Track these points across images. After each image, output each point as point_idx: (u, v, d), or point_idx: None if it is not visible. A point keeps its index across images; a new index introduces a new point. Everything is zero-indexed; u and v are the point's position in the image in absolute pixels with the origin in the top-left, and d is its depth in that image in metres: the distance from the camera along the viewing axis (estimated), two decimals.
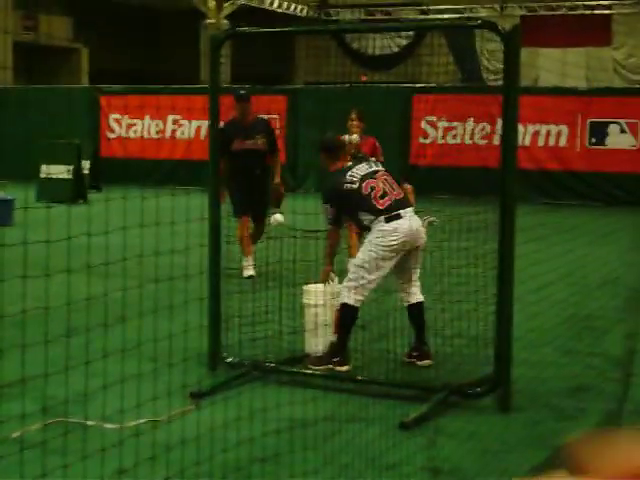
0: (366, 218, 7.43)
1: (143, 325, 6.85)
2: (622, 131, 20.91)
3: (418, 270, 7.71)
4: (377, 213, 7.38)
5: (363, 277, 7.34)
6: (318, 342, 7.73)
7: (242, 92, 11.85)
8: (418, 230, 7.46)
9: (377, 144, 11.53)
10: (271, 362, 7.37)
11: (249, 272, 11.19)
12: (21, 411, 5.26)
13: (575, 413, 6.43)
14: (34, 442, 5.22)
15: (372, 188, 7.47)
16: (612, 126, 21.01)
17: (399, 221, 7.34)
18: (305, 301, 7.91)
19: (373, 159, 8.26)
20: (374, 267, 7.32)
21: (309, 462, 5.20)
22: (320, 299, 7.78)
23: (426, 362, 7.63)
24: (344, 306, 7.41)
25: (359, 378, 7.08)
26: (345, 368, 7.44)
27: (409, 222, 7.37)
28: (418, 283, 7.73)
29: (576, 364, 7.67)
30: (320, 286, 7.94)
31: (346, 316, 7.44)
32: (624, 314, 9.13)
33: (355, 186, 7.49)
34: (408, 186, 7.89)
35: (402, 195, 7.58)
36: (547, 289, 10.44)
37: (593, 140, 21.17)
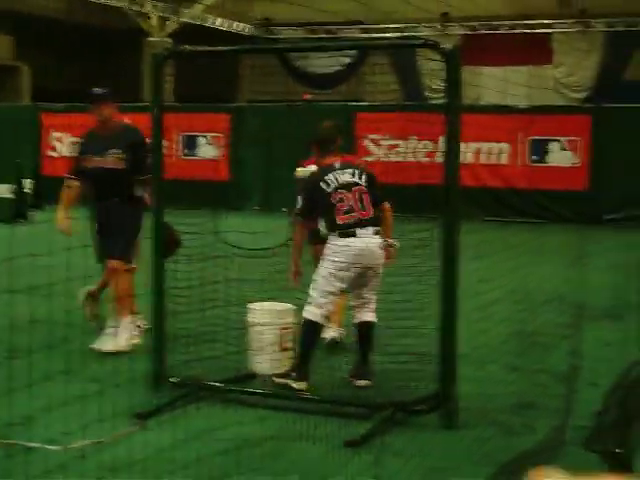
0: (323, 226, 7.44)
1: (85, 346, 6.79)
2: (562, 149, 21.17)
3: (373, 292, 7.66)
4: (334, 226, 7.36)
5: (319, 291, 7.34)
6: (263, 361, 7.70)
7: (97, 90, 8.91)
8: (372, 251, 7.37)
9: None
10: (217, 382, 7.32)
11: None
12: None
13: (521, 429, 6.47)
14: None
15: (340, 200, 7.41)
16: (553, 144, 21.26)
17: (351, 239, 7.30)
18: (249, 320, 7.89)
19: (361, 168, 7.90)
20: (328, 283, 7.32)
21: None
22: (264, 317, 7.76)
23: (362, 382, 7.54)
24: (304, 321, 7.38)
25: (305, 396, 7.06)
26: (302, 385, 7.31)
27: (362, 241, 7.32)
28: (373, 305, 7.68)
29: (522, 381, 7.72)
30: (265, 304, 7.93)
31: (305, 331, 7.39)
32: (568, 330, 9.22)
33: (327, 190, 7.45)
34: (387, 205, 7.78)
35: (370, 215, 7.45)
36: (492, 306, 10.51)
37: (534, 157, 21.40)
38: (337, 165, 7.64)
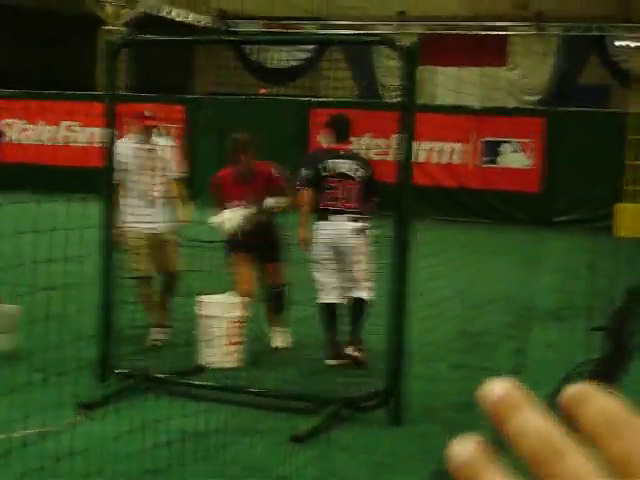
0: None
1: (33, 334, 6.73)
2: (515, 150, 21.32)
3: (359, 271, 7.98)
4: (316, 209, 7.94)
5: (318, 277, 8.02)
6: (212, 353, 7.69)
7: None
8: (342, 235, 7.84)
9: (275, 173, 8.48)
10: (163, 373, 7.30)
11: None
12: None
13: (465, 427, 6.50)
14: None
15: (329, 188, 7.90)
16: (504, 145, 21.40)
17: (325, 223, 7.86)
18: (199, 312, 7.87)
19: (361, 161, 8.35)
20: (320, 266, 7.95)
21: (200, 474, 5.17)
22: (214, 310, 7.75)
23: (354, 352, 7.94)
24: (319, 307, 8.06)
25: (251, 390, 7.06)
26: (332, 362, 7.85)
27: (334, 224, 7.85)
28: (364, 284, 8.02)
29: (467, 379, 7.77)
30: (215, 297, 7.92)
31: (321, 314, 8.04)
32: (514, 330, 9.30)
33: (323, 173, 7.96)
34: (372, 199, 8.09)
35: (353, 207, 7.90)
36: (440, 304, 10.56)
37: (486, 158, 21.54)
38: (341, 152, 8.12)
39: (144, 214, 8.28)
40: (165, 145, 8.85)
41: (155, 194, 8.45)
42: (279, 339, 8.43)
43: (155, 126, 8.77)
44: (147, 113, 8.66)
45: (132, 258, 8.30)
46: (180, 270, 8.57)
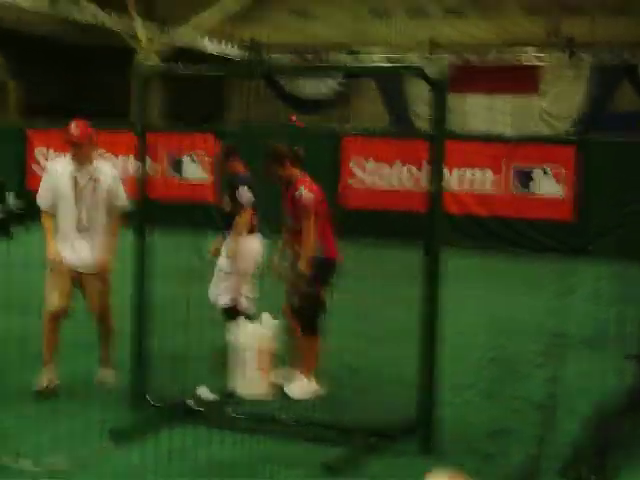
0: None
1: (61, 362, 6.74)
2: (547, 178, 21.23)
3: None
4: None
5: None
6: (241, 381, 7.68)
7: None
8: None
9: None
10: (194, 402, 7.29)
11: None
12: None
13: (497, 456, 6.45)
14: None
15: None
16: (537, 172, 21.32)
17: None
18: (231, 340, 7.86)
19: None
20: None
21: None
22: (244, 338, 7.74)
23: None
24: None
25: (281, 420, 7.03)
26: None
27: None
28: None
29: (498, 407, 7.71)
30: (245, 325, 7.91)
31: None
32: (546, 359, 9.22)
33: None
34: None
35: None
36: (471, 332, 10.52)
37: (518, 186, 21.45)
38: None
39: (70, 246, 7.60)
40: (108, 173, 7.85)
41: (84, 225, 7.64)
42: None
43: (85, 150, 7.70)
44: (73, 131, 7.74)
45: (48, 290, 7.57)
46: (105, 311, 7.73)
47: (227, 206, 9.14)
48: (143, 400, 7.20)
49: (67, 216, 7.61)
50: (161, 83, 21.51)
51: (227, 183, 9.35)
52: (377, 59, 30.02)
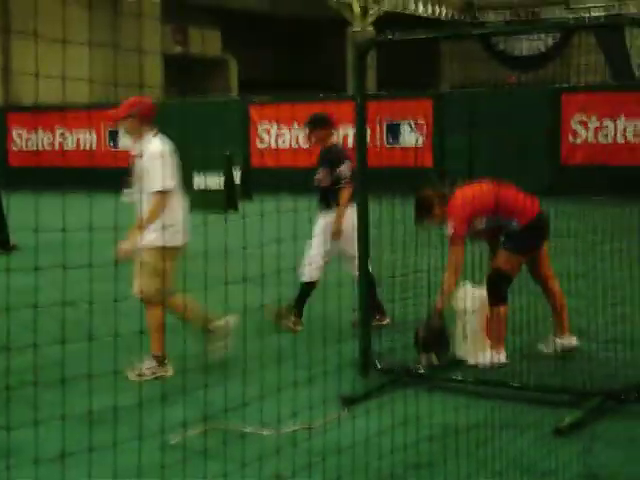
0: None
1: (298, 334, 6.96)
2: None
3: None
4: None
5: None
6: (467, 347, 7.71)
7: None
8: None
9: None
10: (422, 368, 7.38)
11: None
12: (182, 418, 5.42)
13: None
14: (194, 448, 5.37)
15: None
16: None
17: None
18: (456, 306, 7.89)
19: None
20: None
21: (462, 469, 5.21)
22: (472, 304, 7.75)
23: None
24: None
25: (511, 384, 7.02)
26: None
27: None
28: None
29: None
30: (470, 290, 7.90)
31: None
32: None
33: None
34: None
35: None
36: None
37: None
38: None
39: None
40: (150, 152, 7.36)
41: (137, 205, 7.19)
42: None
43: (128, 125, 7.46)
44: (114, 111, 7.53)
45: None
46: (148, 295, 7.39)
47: (324, 181, 9.06)
48: (373, 368, 7.36)
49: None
50: (374, 51, 21.66)
51: (324, 156, 9.17)
52: (594, 11, 29.16)
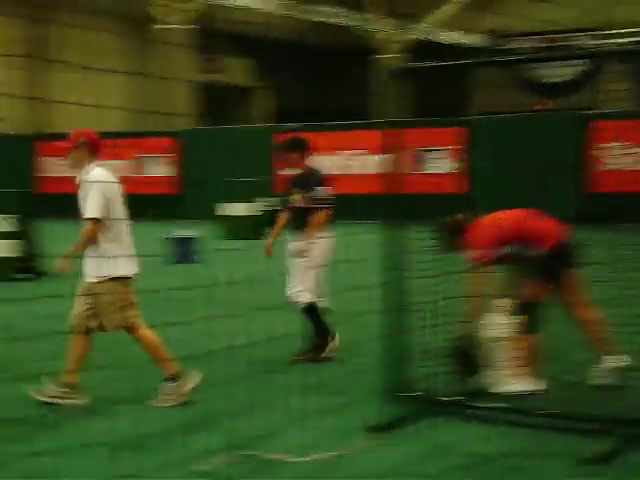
0: None
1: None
2: None
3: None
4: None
5: None
6: (494, 376, 7.61)
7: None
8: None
9: None
10: (451, 397, 7.29)
11: None
12: (206, 445, 5.36)
13: None
14: (219, 475, 5.31)
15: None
16: None
17: None
18: (486, 334, 7.79)
19: None
20: None
21: None
22: (500, 331, 7.66)
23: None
24: None
25: (543, 412, 6.91)
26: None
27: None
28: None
29: None
30: (499, 317, 7.80)
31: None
32: None
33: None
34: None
35: None
36: None
37: None
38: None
39: None
40: (89, 180, 7.26)
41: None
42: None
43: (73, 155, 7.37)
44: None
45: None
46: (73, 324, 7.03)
47: (298, 203, 8.94)
48: (402, 396, 7.27)
49: None
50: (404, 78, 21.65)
51: (299, 179, 9.05)
52: (622, 39, 29.10)
